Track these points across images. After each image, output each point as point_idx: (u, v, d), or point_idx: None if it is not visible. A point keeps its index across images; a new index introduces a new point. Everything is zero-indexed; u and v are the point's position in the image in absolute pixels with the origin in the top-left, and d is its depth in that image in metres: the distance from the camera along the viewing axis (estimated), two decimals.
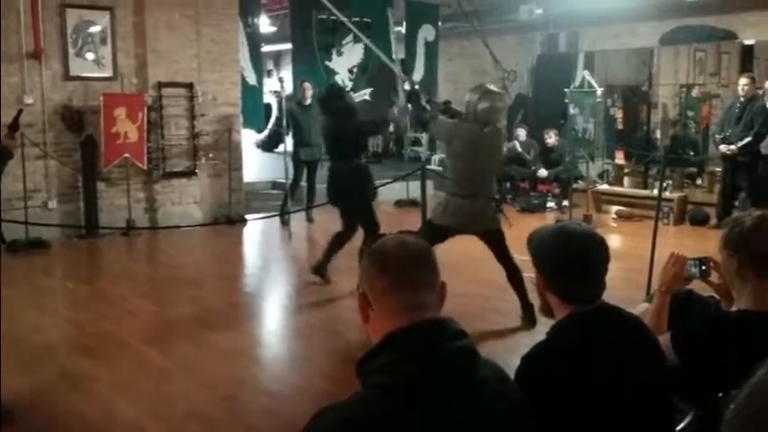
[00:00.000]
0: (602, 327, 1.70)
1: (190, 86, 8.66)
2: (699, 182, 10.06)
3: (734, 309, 2.01)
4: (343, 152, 5.81)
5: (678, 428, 1.85)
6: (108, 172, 8.15)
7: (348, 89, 10.32)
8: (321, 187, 8.56)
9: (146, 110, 8.21)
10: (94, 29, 8.07)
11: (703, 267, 2.21)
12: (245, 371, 4.21)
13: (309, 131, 8.69)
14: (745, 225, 1.93)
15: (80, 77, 8.00)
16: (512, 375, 1.57)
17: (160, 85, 8.46)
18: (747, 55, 9.97)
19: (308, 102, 8.80)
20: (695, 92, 10.77)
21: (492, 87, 4.84)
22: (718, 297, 2.29)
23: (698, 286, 2.34)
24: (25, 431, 3.41)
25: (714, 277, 2.25)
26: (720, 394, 1.81)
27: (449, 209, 4.77)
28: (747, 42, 9.76)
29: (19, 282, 6.08)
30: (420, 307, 1.39)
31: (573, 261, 1.72)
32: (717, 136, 8.30)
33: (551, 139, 10.02)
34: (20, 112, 3.93)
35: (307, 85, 8.88)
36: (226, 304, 5.66)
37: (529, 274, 5.77)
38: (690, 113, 10.76)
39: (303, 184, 8.91)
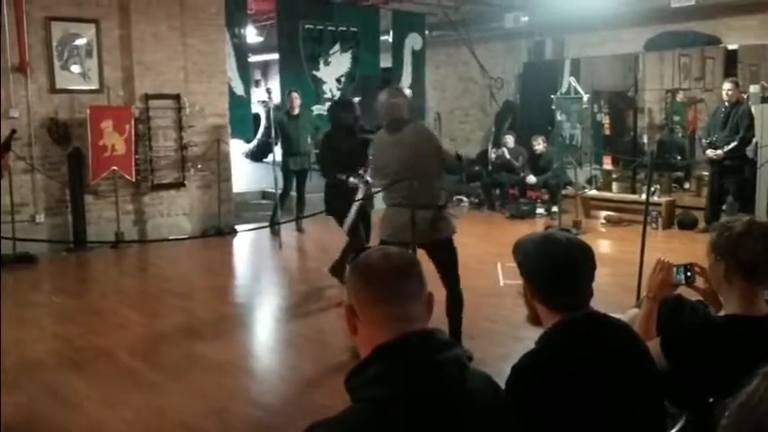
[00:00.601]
0: (591, 334, 1.70)
1: (177, 98, 8.64)
2: (687, 186, 10.12)
3: (722, 313, 2.02)
4: (342, 165, 5.65)
5: None
6: (96, 185, 8.10)
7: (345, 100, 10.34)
8: (311, 197, 8.59)
9: (133, 122, 8.18)
10: (80, 41, 8.04)
11: (688, 273, 2.23)
12: (237, 382, 4.19)
13: (298, 141, 8.73)
14: (734, 230, 1.93)
15: (66, 90, 7.97)
16: (503, 384, 1.57)
17: (147, 97, 8.43)
18: (731, 59, 10.06)
19: (297, 111, 8.83)
20: (680, 96, 10.86)
21: (395, 87, 4.48)
22: (705, 302, 2.31)
23: (686, 291, 2.35)
24: None
25: (699, 282, 2.26)
26: (711, 399, 1.81)
27: (382, 220, 4.41)
28: (731, 47, 9.84)
29: (6, 297, 6.02)
30: (407, 318, 1.38)
31: (559, 270, 1.71)
32: (703, 141, 8.36)
33: (539, 145, 10.07)
34: (12, 132, 3.89)
35: (295, 95, 8.90)
36: (216, 316, 5.63)
37: (513, 281, 5.81)
38: (676, 118, 10.84)
39: (293, 193, 8.90)
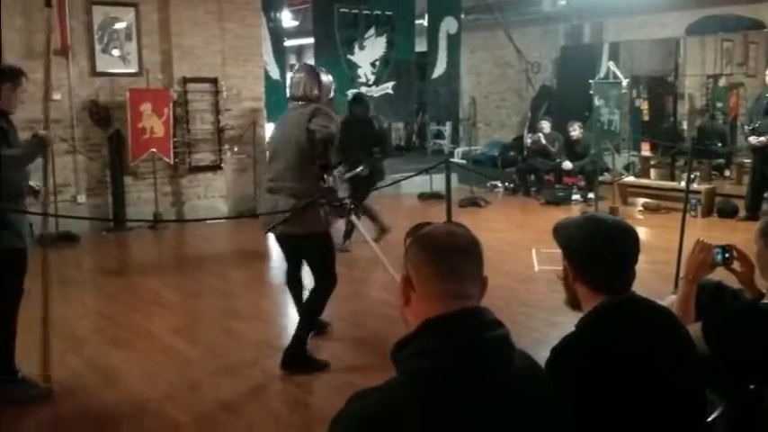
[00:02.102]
0: (634, 317, 1.69)
1: (214, 81, 8.74)
2: (727, 173, 9.92)
3: (766, 300, 1.99)
4: (345, 152, 6.03)
5: (709, 420, 1.83)
6: (135, 166, 8.26)
7: (370, 83, 10.35)
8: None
9: (171, 105, 8.31)
10: (120, 25, 8.17)
11: (726, 255, 2.23)
12: (272, 361, 4.24)
13: None
14: None
15: (106, 73, 8.12)
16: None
17: (185, 81, 8.54)
18: None
19: None
20: (722, 82, 10.62)
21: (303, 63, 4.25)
22: (742, 287, 2.29)
23: (723, 276, 2.33)
24: (55, 422, 3.48)
25: (736, 266, 2.25)
26: (752, 386, 1.80)
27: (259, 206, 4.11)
28: None
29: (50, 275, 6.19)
30: (462, 296, 1.39)
31: (606, 250, 1.71)
32: (746, 127, 8.18)
33: (575, 131, 9.93)
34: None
35: None
36: (252, 296, 5.72)
37: (548, 267, 5.78)
38: (719, 104, 10.60)
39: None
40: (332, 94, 4.19)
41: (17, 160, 3.52)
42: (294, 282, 4.41)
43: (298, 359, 3.95)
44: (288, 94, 4.22)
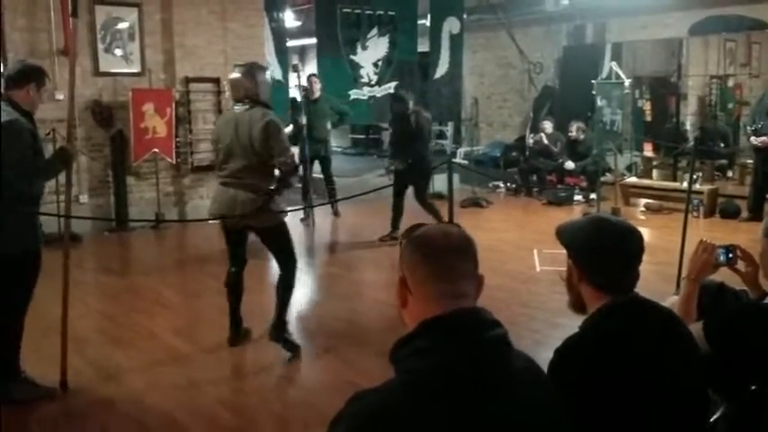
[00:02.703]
0: (638, 317, 1.69)
1: (217, 81, 8.74)
2: (730, 174, 9.90)
3: None
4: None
5: (711, 420, 1.83)
6: (137, 166, 8.27)
7: (373, 83, 10.36)
8: (348, 181, 8.61)
9: (174, 105, 8.32)
10: (123, 25, 8.18)
11: (730, 255, 2.23)
12: (275, 361, 4.26)
13: (314, 126, 8.46)
14: None
15: (109, 73, 8.13)
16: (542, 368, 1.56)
17: (187, 81, 8.56)
18: None
19: (316, 95, 8.62)
20: (731, 82, 10.61)
21: (250, 63, 4.43)
22: (746, 287, 2.28)
23: (726, 277, 2.32)
24: (57, 421, 3.49)
25: (741, 266, 2.25)
26: (753, 387, 1.79)
27: (213, 197, 4.46)
28: None
29: (52, 274, 6.19)
30: (458, 296, 1.40)
31: (611, 250, 1.71)
32: (748, 128, 8.16)
33: (576, 131, 9.89)
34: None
35: (314, 78, 8.78)
36: (253, 296, 5.70)
37: (549, 267, 5.77)
38: (730, 106, 10.57)
39: (317, 176, 8.80)
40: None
41: (44, 175, 3.72)
42: (237, 279, 4.54)
43: (281, 328, 4.34)
44: (231, 92, 4.41)
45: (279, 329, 4.32)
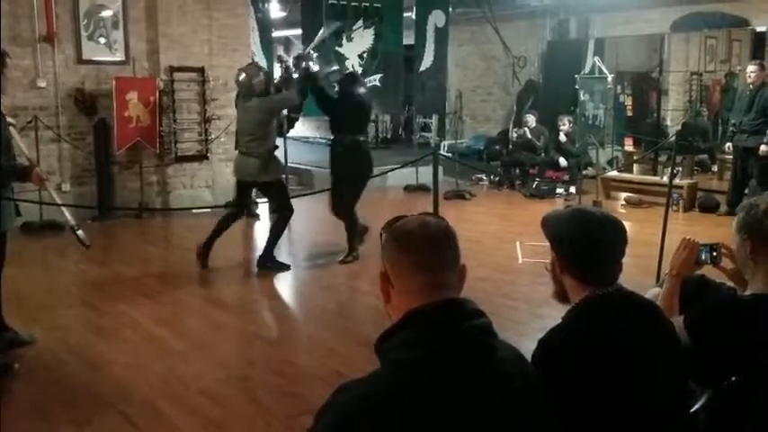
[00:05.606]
0: (620, 309, 1.70)
1: (201, 71, 8.69)
2: (714, 169, 10.01)
3: (748, 293, 2.01)
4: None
5: (691, 411, 1.84)
6: (121, 155, 8.21)
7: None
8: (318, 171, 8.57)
9: (157, 94, 8.26)
10: (106, 13, 8.11)
11: (714, 254, 2.21)
12: (258, 351, 4.27)
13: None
14: (760, 209, 1.94)
15: (92, 61, 8.06)
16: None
17: (172, 70, 8.49)
18: (759, 42, 9.92)
19: None
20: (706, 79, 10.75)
21: (249, 64, 6.49)
22: (732, 284, 2.30)
23: (711, 273, 2.35)
24: (38, 408, 3.47)
25: (726, 263, 2.25)
26: (733, 378, 1.82)
27: (234, 163, 6.22)
28: (759, 29, 9.70)
29: (33, 263, 6.17)
30: (441, 286, 1.40)
31: (594, 242, 1.72)
32: (731, 128, 8.21)
33: (565, 126, 9.90)
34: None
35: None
36: (238, 286, 5.73)
37: (532, 259, 5.84)
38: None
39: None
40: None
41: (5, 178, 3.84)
42: (236, 212, 6.23)
43: (268, 259, 5.95)
44: (240, 88, 6.12)
45: (264, 259, 5.91)
